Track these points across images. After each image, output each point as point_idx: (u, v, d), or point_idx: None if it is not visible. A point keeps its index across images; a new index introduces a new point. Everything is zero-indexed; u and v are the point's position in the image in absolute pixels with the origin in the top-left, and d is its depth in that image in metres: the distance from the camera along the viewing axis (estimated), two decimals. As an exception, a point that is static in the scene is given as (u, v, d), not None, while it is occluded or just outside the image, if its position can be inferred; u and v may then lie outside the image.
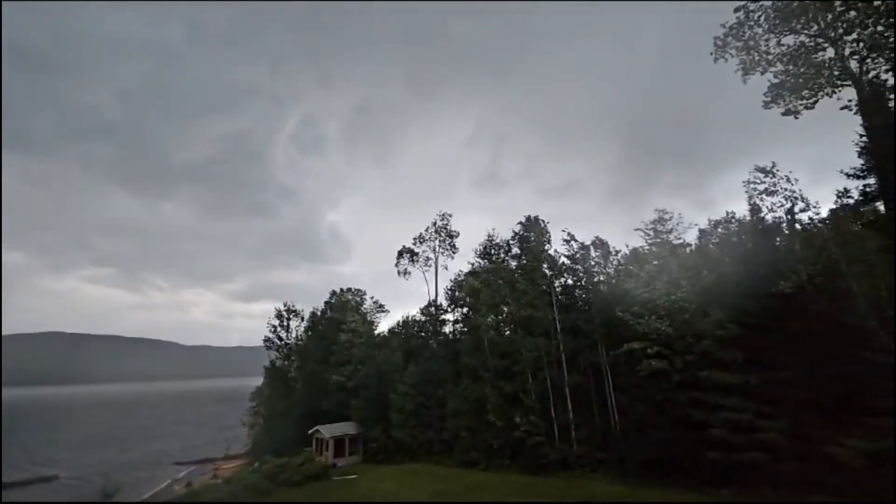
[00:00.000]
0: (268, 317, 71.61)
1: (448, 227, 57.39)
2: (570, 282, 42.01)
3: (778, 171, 29.79)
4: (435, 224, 57.56)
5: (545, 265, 41.58)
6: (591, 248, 40.54)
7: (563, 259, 41.82)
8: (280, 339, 67.82)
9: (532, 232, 44.38)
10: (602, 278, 39.92)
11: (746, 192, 30.85)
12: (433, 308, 55.06)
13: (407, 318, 58.15)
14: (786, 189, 29.59)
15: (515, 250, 46.66)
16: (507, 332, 42.63)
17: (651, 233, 36.36)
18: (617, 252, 40.04)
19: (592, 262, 40.32)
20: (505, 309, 42.70)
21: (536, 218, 45.64)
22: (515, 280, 41.42)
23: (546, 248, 43.47)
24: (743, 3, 22.01)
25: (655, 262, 34.46)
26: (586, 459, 33.34)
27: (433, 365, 46.08)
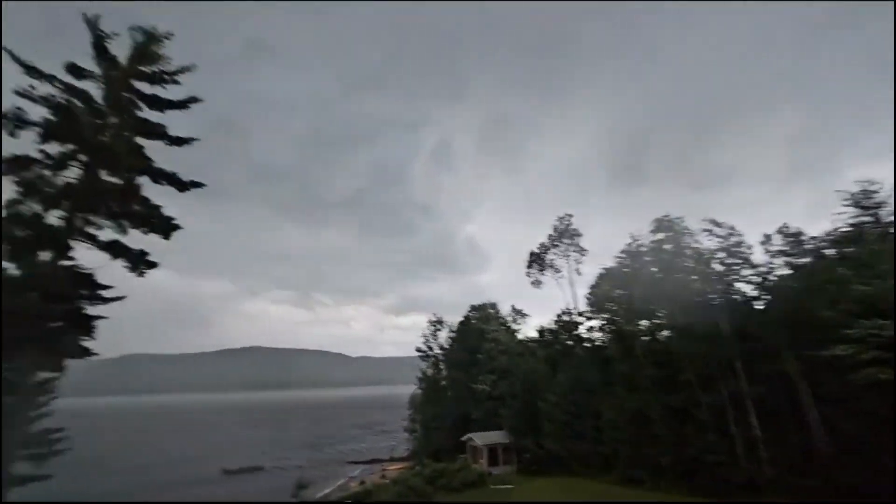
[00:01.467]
0: (417, 328, 76.50)
1: (571, 229, 55.02)
2: (733, 277, 35.84)
3: None
4: (556, 228, 55.72)
5: (696, 262, 35.97)
6: (780, 235, 33.84)
7: (720, 252, 35.85)
8: (430, 348, 71.84)
9: (670, 231, 38.78)
10: (787, 271, 33.21)
11: None
12: (572, 314, 52.72)
13: (546, 325, 56.76)
14: None
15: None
16: (664, 338, 38.47)
17: (855, 208, 29.26)
18: (813, 238, 32.85)
19: (772, 253, 33.86)
20: (658, 313, 38.68)
21: (668, 218, 39.50)
22: (664, 280, 37.12)
23: (692, 242, 37.47)
24: None
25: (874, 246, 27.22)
26: (780, 484, 27.94)
27: (582, 373, 43.82)
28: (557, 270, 56.19)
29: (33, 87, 18.49)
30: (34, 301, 17.98)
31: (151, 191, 20.42)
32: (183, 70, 20.79)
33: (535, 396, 45.50)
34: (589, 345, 49.43)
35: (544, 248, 57.19)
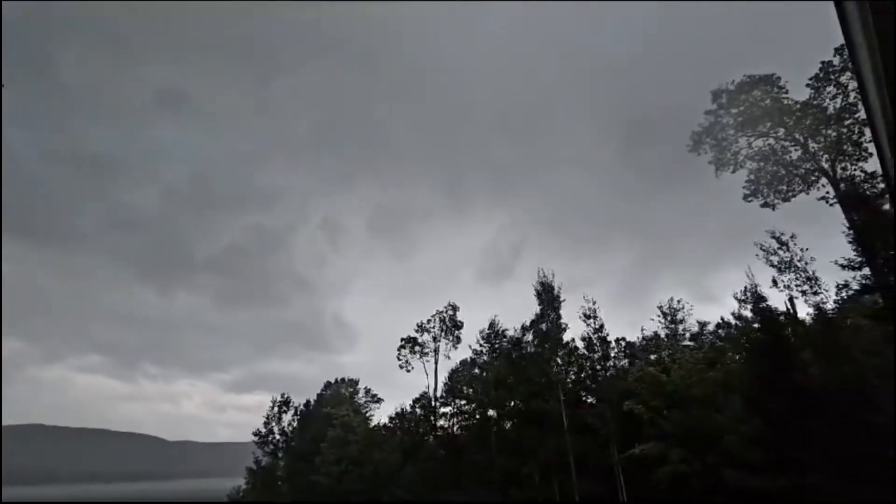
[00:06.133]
0: (263, 408, 67.54)
1: (454, 318, 56.17)
2: (582, 371, 39.66)
3: (795, 244, 25.55)
4: (439, 313, 56.39)
5: (558, 353, 38.89)
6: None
7: (578, 343, 39.18)
8: (272, 433, 63.64)
9: (548, 305, 40.06)
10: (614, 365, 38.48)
11: (747, 277, 29.30)
12: (430, 400, 52.28)
13: (402, 411, 54.95)
14: (798, 267, 25.79)
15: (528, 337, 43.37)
16: (513, 427, 40.10)
17: (664, 321, 37.05)
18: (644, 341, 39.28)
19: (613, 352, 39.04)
20: (511, 402, 40.57)
21: (550, 286, 40.56)
22: (523, 366, 39.44)
23: (561, 329, 39.52)
24: (712, 109, 24.20)
25: (668, 352, 33.84)
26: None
27: (432, 465, 42.66)
28: (427, 356, 55.37)
29: None
30: None
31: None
32: None
33: (383, 492, 42.55)
34: (441, 433, 48.87)
35: (422, 331, 56.31)
